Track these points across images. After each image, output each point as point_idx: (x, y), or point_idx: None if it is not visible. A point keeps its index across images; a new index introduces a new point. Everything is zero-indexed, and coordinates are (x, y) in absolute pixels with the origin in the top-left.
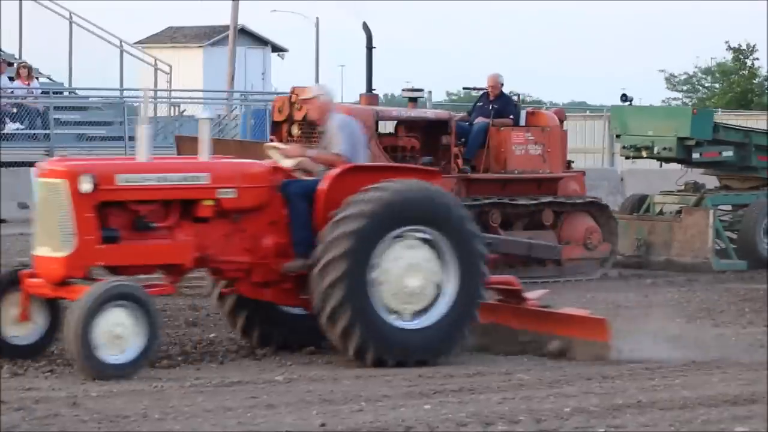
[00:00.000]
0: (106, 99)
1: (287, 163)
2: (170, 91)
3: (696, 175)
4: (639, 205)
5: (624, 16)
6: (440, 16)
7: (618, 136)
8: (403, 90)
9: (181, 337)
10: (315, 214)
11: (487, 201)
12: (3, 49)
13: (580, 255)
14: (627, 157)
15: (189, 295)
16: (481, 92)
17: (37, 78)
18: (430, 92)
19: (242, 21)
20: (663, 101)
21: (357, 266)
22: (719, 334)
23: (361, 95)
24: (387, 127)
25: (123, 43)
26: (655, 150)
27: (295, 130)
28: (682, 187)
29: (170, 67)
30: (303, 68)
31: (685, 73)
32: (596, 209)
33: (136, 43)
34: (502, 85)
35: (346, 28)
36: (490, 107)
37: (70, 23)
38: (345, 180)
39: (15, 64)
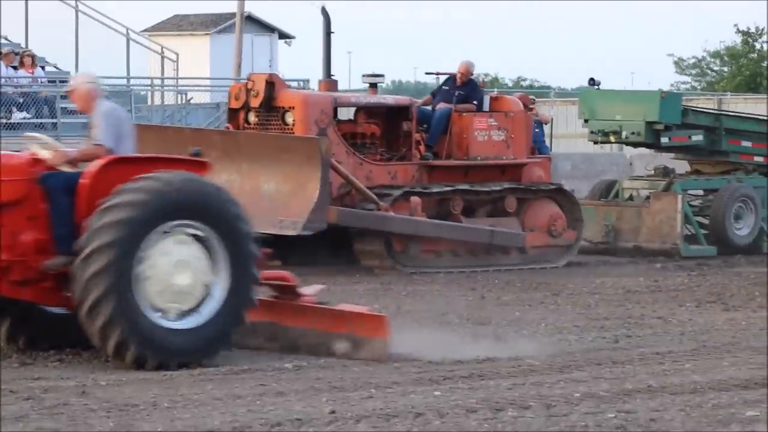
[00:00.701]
0: (112, 87)
1: (48, 154)
2: (177, 78)
3: (667, 159)
4: (608, 190)
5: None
6: (453, 9)
7: (586, 121)
8: (363, 75)
9: None
10: (77, 208)
11: (448, 188)
12: (10, 39)
13: (544, 242)
14: (595, 142)
15: None
16: (447, 76)
17: (42, 67)
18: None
19: (249, 8)
20: (672, 85)
21: (123, 258)
22: (729, 319)
23: (319, 81)
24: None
25: (129, 32)
26: (623, 134)
27: (252, 118)
28: (652, 172)
29: (177, 55)
30: (310, 55)
31: (694, 57)
32: (561, 196)
33: (142, 31)
34: (472, 74)
35: (354, 15)
36: (456, 93)
37: (76, 12)
38: (108, 173)
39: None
